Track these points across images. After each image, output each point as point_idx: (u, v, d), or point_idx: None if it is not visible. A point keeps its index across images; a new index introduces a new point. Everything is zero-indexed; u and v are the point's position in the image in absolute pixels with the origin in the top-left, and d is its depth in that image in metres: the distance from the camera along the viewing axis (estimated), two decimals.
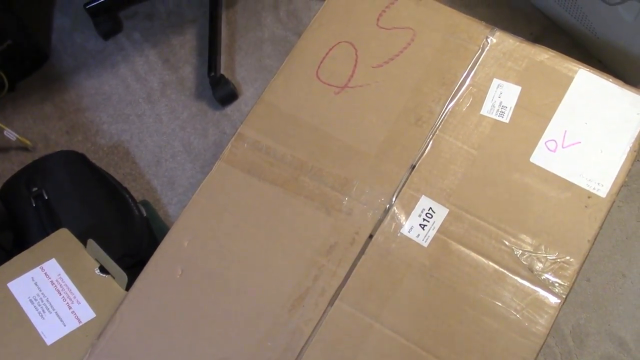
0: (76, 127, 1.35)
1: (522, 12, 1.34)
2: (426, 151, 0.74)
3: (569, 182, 0.72)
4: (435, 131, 0.75)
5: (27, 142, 1.33)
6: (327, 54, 0.81)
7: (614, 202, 0.71)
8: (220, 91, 1.32)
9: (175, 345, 0.71)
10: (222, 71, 1.35)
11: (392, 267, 0.71)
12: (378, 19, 0.81)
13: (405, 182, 0.74)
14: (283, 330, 0.70)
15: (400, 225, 0.72)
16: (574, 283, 0.69)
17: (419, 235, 0.71)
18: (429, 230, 0.71)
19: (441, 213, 0.72)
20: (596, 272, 1.12)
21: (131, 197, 1.16)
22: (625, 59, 1.17)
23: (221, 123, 1.33)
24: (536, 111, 0.75)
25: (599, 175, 0.72)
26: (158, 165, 1.30)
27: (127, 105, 1.36)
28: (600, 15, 1.15)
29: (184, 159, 1.30)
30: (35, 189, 1.07)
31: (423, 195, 0.73)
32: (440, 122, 0.75)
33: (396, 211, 0.72)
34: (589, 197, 0.71)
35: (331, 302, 0.70)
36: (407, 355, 0.68)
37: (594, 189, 0.71)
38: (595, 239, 0.70)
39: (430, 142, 0.75)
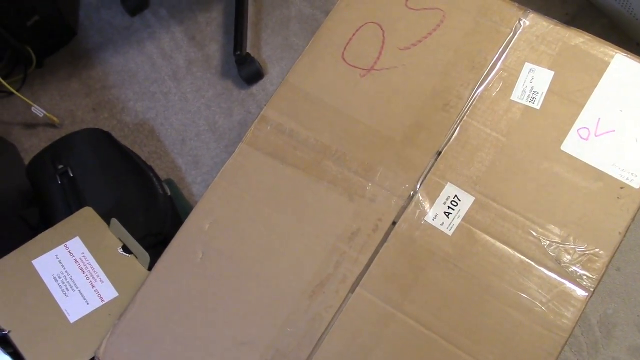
0: (102, 104, 1.36)
1: None
2: (453, 137, 0.72)
3: (601, 171, 0.69)
4: (463, 117, 0.73)
5: (55, 118, 1.34)
6: (354, 35, 0.79)
7: None
8: (246, 70, 1.31)
9: (195, 328, 0.71)
10: (249, 50, 1.34)
11: (415, 255, 0.69)
12: (407, 0, 0.79)
13: (431, 168, 0.72)
14: (303, 317, 0.69)
15: (424, 213, 0.70)
16: (602, 276, 0.67)
17: (443, 223, 0.70)
18: (454, 219, 0.70)
19: (467, 201, 0.70)
20: (626, 262, 1.09)
21: (156, 175, 1.16)
22: None
23: (246, 102, 1.32)
24: (569, 97, 0.72)
25: (633, 166, 0.69)
26: (183, 144, 1.30)
27: (153, 83, 1.36)
28: None
29: (208, 138, 1.30)
30: (61, 166, 1.07)
31: (449, 183, 0.71)
32: (469, 108, 0.73)
33: (421, 198, 0.71)
34: (621, 188, 0.69)
35: (352, 290, 0.69)
36: (429, 345, 0.67)
37: (627, 179, 0.69)
38: (627, 231, 0.68)
39: (458, 128, 0.73)
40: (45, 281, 0.85)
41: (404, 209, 0.71)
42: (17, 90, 1.32)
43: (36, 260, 0.86)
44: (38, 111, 1.31)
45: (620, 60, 0.73)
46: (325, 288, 0.70)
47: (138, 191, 1.09)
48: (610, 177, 0.69)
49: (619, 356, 1.04)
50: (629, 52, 0.73)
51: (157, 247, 0.97)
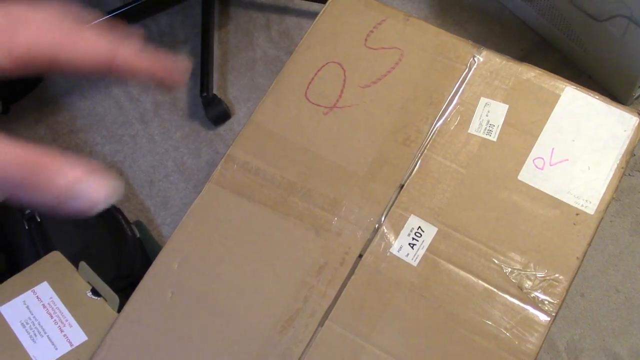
0: (70, 148, 1.36)
1: (513, 28, 1.35)
2: (414, 170, 0.75)
3: (557, 199, 0.72)
4: (424, 150, 0.76)
5: None
6: (315, 74, 0.81)
7: (602, 218, 0.72)
8: (213, 111, 1.33)
9: None
10: (215, 91, 1.36)
11: (382, 286, 0.71)
12: (366, 40, 0.82)
13: (394, 201, 0.74)
14: (273, 352, 0.70)
15: (389, 245, 0.72)
16: (563, 300, 0.69)
17: (408, 254, 0.71)
18: (418, 250, 0.71)
19: (430, 232, 0.72)
20: (590, 288, 1.12)
21: (124, 218, 1.16)
22: (614, 74, 1.18)
23: (214, 143, 1.33)
24: (524, 129, 0.75)
25: (586, 193, 0.72)
26: (151, 186, 1.31)
27: (121, 126, 1.37)
28: (589, 31, 1.16)
29: (177, 178, 1.31)
30: (28, 211, 1.07)
31: (412, 215, 0.73)
32: (429, 142, 0.76)
33: (385, 231, 0.73)
34: (577, 214, 0.71)
35: (321, 323, 0.70)
36: None
37: (582, 206, 0.72)
38: (584, 255, 0.70)
39: (419, 162, 0.75)
40: (13, 327, 0.84)
41: (369, 241, 0.73)
42: None
43: (3, 306, 0.86)
44: None
45: (570, 93, 0.76)
46: (295, 322, 0.70)
47: (106, 234, 1.09)
48: (566, 204, 0.72)
49: None
50: (578, 85, 0.77)
51: (126, 289, 0.97)
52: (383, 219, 0.73)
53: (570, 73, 1.23)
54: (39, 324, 0.84)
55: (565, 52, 1.29)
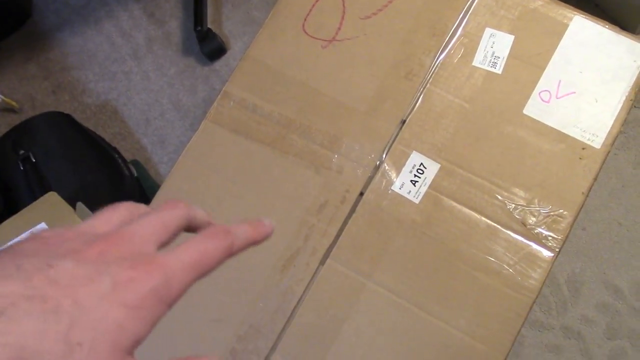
0: (62, 86, 1.33)
1: None
2: (417, 105, 0.73)
3: (563, 133, 0.70)
4: (426, 84, 0.73)
5: (14, 103, 1.30)
6: (313, 6, 0.78)
7: (608, 152, 0.70)
8: (208, 46, 1.29)
9: None
10: (210, 25, 1.32)
11: (384, 224, 0.70)
12: None
13: (396, 137, 0.72)
14: (275, 291, 0.69)
15: (391, 182, 0.71)
16: (567, 236, 0.68)
17: (410, 191, 0.70)
18: (420, 187, 0.70)
19: (432, 169, 0.70)
20: (592, 221, 1.11)
21: (121, 156, 1.14)
22: (623, 2, 1.14)
23: (210, 79, 1.30)
24: (530, 61, 0.73)
25: (593, 126, 0.70)
26: (147, 124, 1.28)
27: (113, 62, 1.33)
28: None
29: (173, 116, 1.28)
30: (22, 151, 1.05)
31: (414, 151, 0.71)
32: (431, 75, 0.73)
33: (387, 168, 0.71)
34: (583, 149, 0.70)
35: (322, 262, 0.69)
36: (401, 312, 0.67)
37: (588, 139, 0.70)
38: (589, 191, 0.69)
39: (421, 96, 0.73)
40: None
41: (370, 179, 0.71)
42: None
43: (0, 248, 0.85)
44: None
45: (578, 22, 0.73)
46: (296, 261, 0.70)
47: (103, 173, 1.08)
48: (572, 138, 0.70)
49: (587, 313, 1.07)
50: (587, 14, 0.74)
51: None
52: (384, 155, 0.71)
53: (577, 1, 1.19)
54: None
55: None
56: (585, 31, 0.73)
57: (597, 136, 0.70)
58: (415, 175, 0.70)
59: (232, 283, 0.70)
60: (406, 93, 0.73)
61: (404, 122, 0.72)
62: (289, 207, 0.71)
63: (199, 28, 1.28)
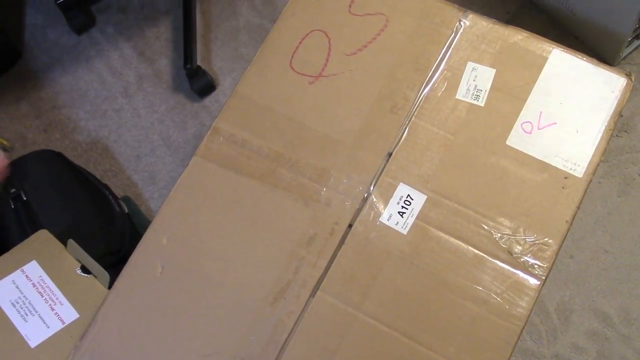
0: (53, 125, 1.34)
1: None
2: (402, 138, 0.74)
3: (545, 163, 0.72)
4: (411, 117, 0.75)
5: (5, 142, 1.31)
6: (300, 43, 0.80)
7: (590, 181, 0.71)
8: (198, 83, 1.31)
9: (158, 343, 0.70)
10: (199, 62, 1.34)
11: (372, 256, 0.71)
12: (350, 6, 0.80)
13: (383, 170, 0.73)
14: (266, 324, 0.70)
15: (379, 214, 0.72)
16: (553, 264, 0.69)
17: (397, 223, 0.71)
18: (407, 218, 0.71)
19: (419, 200, 0.72)
20: (579, 249, 1.13)
21: (112, 193, 1.15)
22: (601, 34, 1.17)
23: (200, 115, 1.32)
24: (511, 93, 0.75)
25: (575, 155, 0.72)
26: (138, 160, 1.29)
27: (104, 100, 1.35)
28: None
29: (163, 152, 1.29)
30: (13, 190, 1.06)
31: (401, 183, 0.73)
32: (416, 108, 0.75)
33: (374, 200, 0.72)
34: (565, 178, 0.71)
35: (313, 293, 0.70)
36: (391, 343, 0.68)
37: (570, 169, 0.72)
38: (573, 219, 0.71)
39: (407, 129, 0.74)
40: (3, 307, 0.83)
41: (358, 211, 0.72)
42: None
43: None
44: None
45: (557, 55, 0.76)
46: (286, 294, 0.70)
47: (94, 210, 1.09)
48: (555, 167, 0.72)
49: (577, 341, 1.08)
50: (565, 47, 0.76)
51: (116, 265, 0.96)
52: (372, 188, 0.73)
53: (557, 35, 1.22)
54: (30, 303, 0.83)
55: (552, 13, 1.27)
56: (563, 64, 0.75)
57: (578, 165, 0.72)
58: (402, 207, 0.72)
59: (223, 316, 0.71)
60: (392, 126, 0.75)
61: (390, 154, 0.74)
62: (279, 240, 0.72)
63: (189, 65, 1.30)
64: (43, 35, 1.42)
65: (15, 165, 1.09)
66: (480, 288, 0.69)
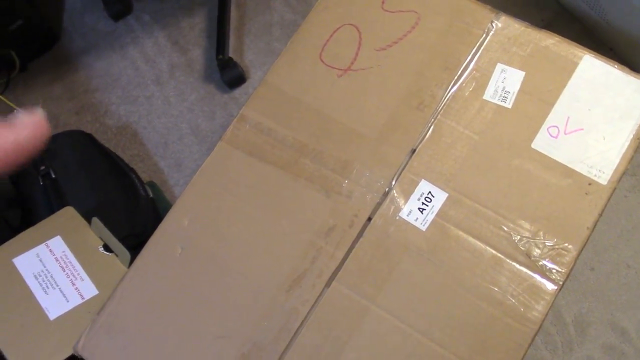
0: (85, 107, 1.36)
1: None
2: (427, 135, 0.74)
3: (569, 168, 0.72)
4: (437, 115, 0.75)
5: None
6: (331, 36, 0.81)
7: (614, 189, 0.71)
8: (229, 74, 1.33)
9: (173, 323, 0.72)
10: (231, 54, 1.36)
11: (390, 250, 0.71)
12: (383, 2, 0.81)
13: (406, 165, 0.74)
14: (280, 311, 0.70)
15: (399, 209, 0.72)
16: (571, 270, 0.69)
17: (417, 219, 0.71)
18: (427, 214, 0.71)
19: (440, 197, 0.72)
20: (600, 262, 1.11)
21: (138, 178, 1.17)
22: (636, 45, 1.16)
23: (229, 106, 1.33)
24: (539, 97, 0.74)
25: (600, 162, 0.71)
26: (165, 147, 1.31)
27: (136, 87, 1.37)
28: (613, 1, 1.13)
29: (191, 141, 1.31)
30: (43, 167, 1.08)
31: (423, 179, 0.73)
32: (442, 107, 0.75)
33: (395, 195, 0.73)
34: (589, 184, 0.71)
35: (328, 284, 0.71)
36: (402, 337, 0.68)
37: (595, 175, 0.71)
38: (594, 226, 0.70)
39: (432, 127, 0.75)
40: (26, 279, 0.85)
41: (379, 205, 0.73)
42: (1, 94, 1.33)
43: (17, 258, 0.87)
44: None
45: (588, 61, 0.75)
46: (302, 282, 0.71)
47: (120, 192, 1.10)
48: (579, 173, 0.71)
49: (592, 354, 1.06)
50: (597, 54, 0.76)
51: (137, 248, 0.97)
52: (394, 182, 0.73)
53: (591, 45, 1.21)
54: (52, 277, 0.85)
55: (587, 23, 1.26)
56: (594, 70, 0.75)
57: (603, 172, 0.71)
58: (423, 203, 0.72)
59: (238, 301, 0.71)
60: (417, 123, 0.75)
61: (414, 150, 0.74)
62: (298, 229, 0.73)
63: (221, 56, 1.32)
64: (81, 21, 1.45)
65: (46, 144, 1.12)
66: (496, 289, 0.68)
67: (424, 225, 0.71)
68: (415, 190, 0.72)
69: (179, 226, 0.75)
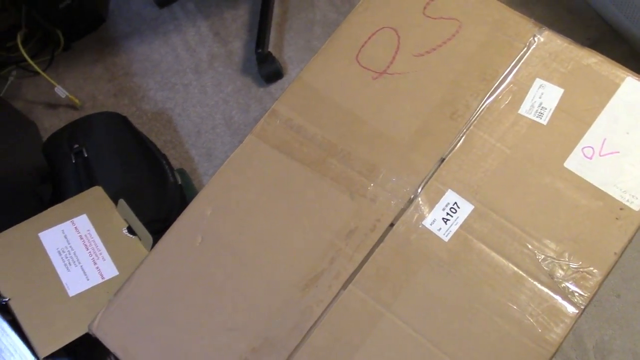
0: (124, 90, 1.38)
1: (582, 15, 1.30)
2: (458, 145, 0.73)
3: (602, 191, 0.70)
4: (470, 126, 0.74)
5: (76, 100, 1.36)
6: (369, 38, 0.80)
7: None
8: (266, 68, 1.33)
9: (187, 310, 0.72)
10: (270, 49, 1.36)
11: (410, 258, 0.70)
12: (425, 7, 0.80)
13: (433, 174, 0.73)
14: (294, 309, 0.70)
15: (422, 217, 0.71)
16: (594, 294, 0.67)
17: (440, 229, 0.70)
18: (451, 225, 0.70)
19: (466, 209, 0.71)
20: (628, 289, 1.09)
21: (168, 164, 1.18)
22: None
23: (264, 100, 1.33)
24: (576, 116, 0.73)
25: (634, 188, 0.69)
26: (198, 136, 1.32)
27: (175, 74, 1.38)
28: None
29: (223, 131, 1.32)
30: (76, 145, 1.10)
31: (449, 189, 0.72)
32: (476, 118, 0.74)
33: (420, 202, 0.72)
34: (621, 209, 0.69)
35: (344, 286, 0.70)
36: (415, 347, 0.67)
37: (627, 200, 0.69)
38: (622, 252, 0.68)
39: (463, 137, 0.74)
40: (49, 254, 0.87)
41: (403, 211, 0.72)
42: (43, 71, 1.35)
43: (42, 233, 0.88)
44: (61, 92, 1.34)
45: (630, 84, 0.73)
46: (318, 282, 0.71)
47: (149, 176, 1.11)
48: (611, 197, 0.70)
49: None
50: None
51: (161, 233, 0.98)
52: (420, 190, 0.72)
53: (636, 67, 1.18)
54: (75, 254, 0.87)
55: (635, 44, 1.23)
56: (636, 93, 0.73)
57: (636, 198, 0.69)
58: (447, 214, 0.71)
59: (253, 295, 0.71)
60: (449, 132, 0.74)
61: (443, 159, 0.73)
62: (319, 229, 0.73)
63: (260, 50, 1.32)
64: (127, 5, 1.47)
65: (82, 123, 1.14)
66: (515, 307, 0.67)
67: (446, 235, 0.70)
68: (441, 200, 0.71)
69: (202, 215, 0.75)
